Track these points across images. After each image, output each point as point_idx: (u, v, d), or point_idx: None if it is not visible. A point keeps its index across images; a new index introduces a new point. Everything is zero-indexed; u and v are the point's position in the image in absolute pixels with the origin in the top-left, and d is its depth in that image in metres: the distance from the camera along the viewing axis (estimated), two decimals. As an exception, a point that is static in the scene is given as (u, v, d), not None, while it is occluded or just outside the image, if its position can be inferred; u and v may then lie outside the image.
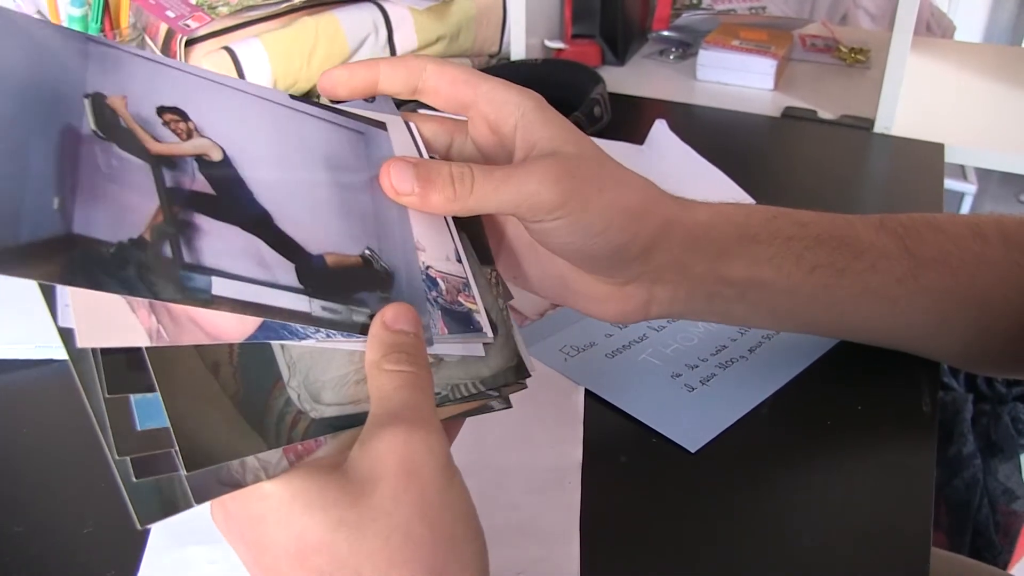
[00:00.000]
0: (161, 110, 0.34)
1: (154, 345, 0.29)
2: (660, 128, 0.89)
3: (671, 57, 1.17)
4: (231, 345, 0.31)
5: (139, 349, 0.29)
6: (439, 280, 0.38)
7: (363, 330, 0.34)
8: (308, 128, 0.38)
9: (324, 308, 0.33)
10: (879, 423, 0.52)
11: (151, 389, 0.29)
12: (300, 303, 0.33)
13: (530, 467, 0.49)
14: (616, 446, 0.50)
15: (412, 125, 0.42)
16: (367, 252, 0.36)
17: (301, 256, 0.34)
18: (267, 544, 0.31)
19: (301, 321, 0.32)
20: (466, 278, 0.39)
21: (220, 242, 0.32)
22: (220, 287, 0.31)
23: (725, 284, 0.47)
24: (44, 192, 0.28)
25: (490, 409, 0.38)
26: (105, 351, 0.29)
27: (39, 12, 0.74)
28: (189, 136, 0.34)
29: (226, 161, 0.34)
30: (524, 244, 0.45)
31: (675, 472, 0.49)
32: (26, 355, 0.57)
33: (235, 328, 0.31)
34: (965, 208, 1.99)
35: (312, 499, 0.30)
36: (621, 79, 1.09)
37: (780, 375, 0.55)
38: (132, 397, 0.29)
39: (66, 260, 0.28)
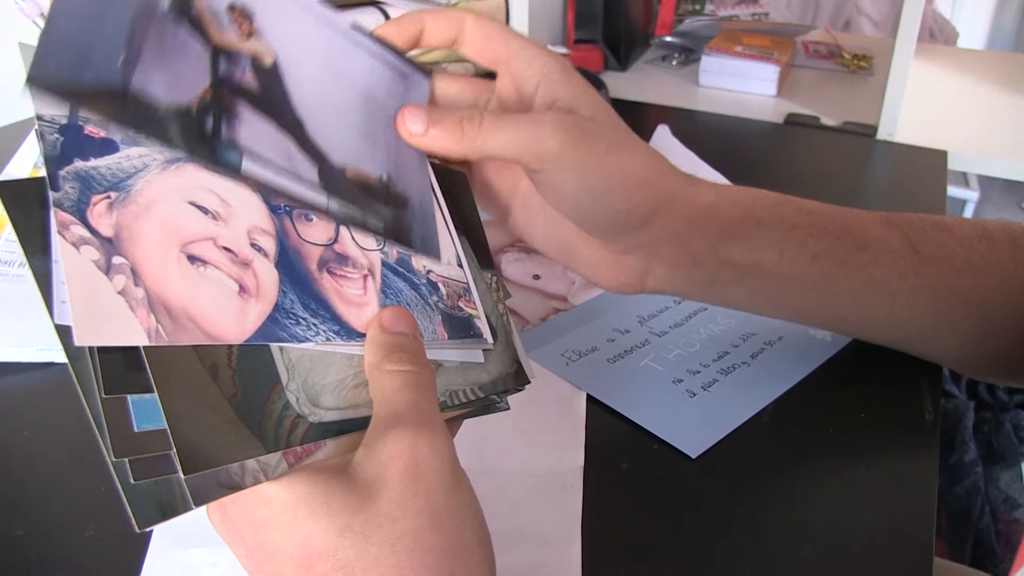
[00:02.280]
0: (231, 7, 0.36)
1: (152, 345, 0.29)
2: (663, 133, 0.89)
3: (674, 63, 1.17)
4: (229, 347, 0.31)
5: (137, 349, 0.29)
6: (440, 285, 0.38)
7: (378, 231, 0.37)
8: (357, 58, 0.41)
9: (340, 205, 0.36)
10: (881, 430, 0.52)
11: (149, 390, 0.29)
12: (319, 197, 0.35)
13: (532, 471, 0.49)
14: (617, 451, 0.50)
15: None
16: (385, 176, 0.39)
17: (325, 163, 0.37)
18: (270, 550, 0.30)
19: (317, 211, 0.35)
20: (467, 283, 0.39)
21: (256, 131, 0.35)
22: (249, 166, 0.34)
23: (726, 267, 0.47)
24: (113, 48, 0.31)
25: (488, 412, 0.38)
26: (102, 350, 0.29)
27: (43, 15, 0.74)
28: (249, 36, 0.36)
29: (276, 68, 0.37)
30: (536, 202, 0.46)
31: (676, 478, 0.49)
32: (28, 358, 0.57)
33: (234, 329, 0.31)
34: (967, 215, 1.99)
35: (317, 504, 0.30)
36: (623, 84, 1.09)
37: (782, 382, 0.55)
38: (129, 398, 0.29)
39: (120, 106, 0.30)
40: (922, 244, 0.50)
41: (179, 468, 0.28)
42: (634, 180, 0.43)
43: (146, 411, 0.29)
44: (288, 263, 0.34)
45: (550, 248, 0.48)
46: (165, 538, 0.44)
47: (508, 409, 0.39)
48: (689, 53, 1.18)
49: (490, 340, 0.38)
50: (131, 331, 0.29)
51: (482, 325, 0.38)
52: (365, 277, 0.36)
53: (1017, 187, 2.14)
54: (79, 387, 0.29)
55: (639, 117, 1.01)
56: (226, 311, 0.31)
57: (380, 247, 0.37)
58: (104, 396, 0.28)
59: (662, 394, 0.54)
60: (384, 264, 0.37)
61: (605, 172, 0.42)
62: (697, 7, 1.27)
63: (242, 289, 0.32)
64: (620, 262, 0.46)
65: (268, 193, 0.35)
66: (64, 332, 0.28)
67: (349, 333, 0.34)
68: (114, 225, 0.30)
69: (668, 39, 1.20)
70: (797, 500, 0.47)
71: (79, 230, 0.29)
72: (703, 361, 0.57)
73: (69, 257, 0.29)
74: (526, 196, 0.46)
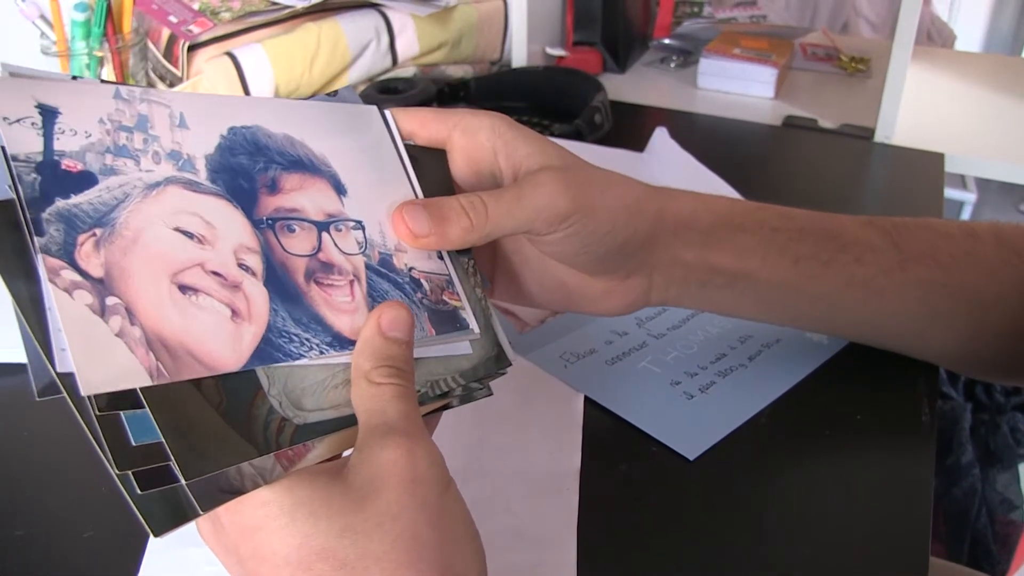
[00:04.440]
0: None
1: (155, 384, 0.29)
2: (661, 135, 0.89)
3: (672, 65, 1.17)
4: None
5: None
6: (423, 281, 0.38)
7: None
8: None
9: None
10: (878, 432, 0.52)
11: (140, 405, 0.29)
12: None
13: (529, 473, 0.49)
14: (615, 453, 0.50)
15: (388, 115, 0.42)
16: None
17: None
18: (266, 554, 0.31)
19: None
20: (448, 275, 0.39)
21: None
22: None
23: (715, 272, 0.48)
24: None
25: (470, 399, 0.39)
26: None
27: (42, 16, 0.74)
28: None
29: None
30: (520, 261, 0.46)
31: (673, 480, 0.49)
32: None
33: (231, 357, 0.31)
34: (964, 217, 1.99)
35: (316, 507, 0.30)
36: (622, 87, 1.09)
37: (779, 384, 0.55)
38: (123, 414, 0.29)
39: None
40: (905, 242, 0.50)
41: (180, 476, 0.29)
42: (630, 209, 0.44)
43: (141, 426, 0.29)
44: (276, 279, 0.34)
45: (548, 300, 0.48)
46: (164, 537, 0.44)
47: (491, 395, 0.39)
48: (687, 55, 1.18)
49: (476, 330, 0.39)
50: (134, 374, 0.29)
51: (468, 316, 0.39)
52: (351, 283, 0.36)
53: (1014, 189, 2.15)
54: (74, 407, 0.29)
55: (637, 119, 1.01)
56: (222, 339, 0.31)
57: (362, 250, 0.37)
58: (98, 415, 0.28)
59: (660, 396, 0.54)
60: (367, 267, 0.37)
61: (608, 212, 0.42)
62: (695, 9, 1.27)
63: (234, 313, 0.32)
64: (623, 287, 0.47)
65: (250, 208, 0.34)
66: (68, 380, 0.28)
67: (343, 343, 0.34)
68: (103, 264, 0.30)
69: (666, 41, 1.20)
70: (794, 502, 0.48)
71: (69, 274, 0.29)
72: (701, 363, 0.57)
73: (63, 304, 0.28)
74: (509, 260, 0.46)
